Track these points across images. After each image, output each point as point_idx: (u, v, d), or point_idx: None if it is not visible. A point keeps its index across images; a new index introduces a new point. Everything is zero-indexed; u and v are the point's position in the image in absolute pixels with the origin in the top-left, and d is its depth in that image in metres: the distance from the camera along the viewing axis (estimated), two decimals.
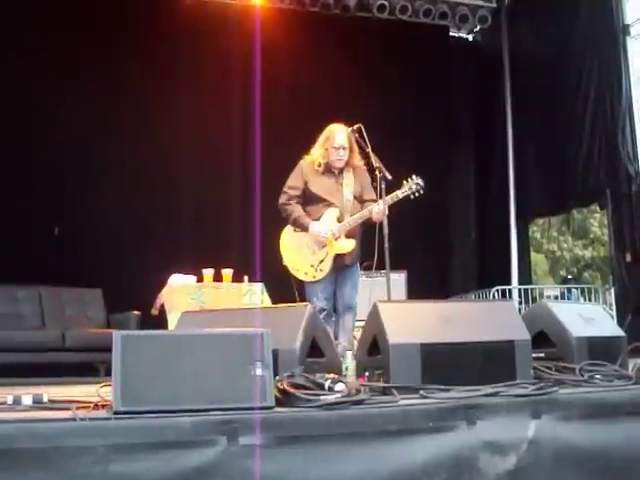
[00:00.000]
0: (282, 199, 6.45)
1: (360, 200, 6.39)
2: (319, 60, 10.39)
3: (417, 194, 6.25)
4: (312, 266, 6.29)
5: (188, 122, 10.12)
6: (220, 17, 10.37)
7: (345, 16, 11.36)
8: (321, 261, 6.28)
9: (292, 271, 6.37)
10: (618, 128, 9.81)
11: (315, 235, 6.28)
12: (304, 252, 6.34)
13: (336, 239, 6.27)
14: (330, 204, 6.33)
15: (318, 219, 6.33)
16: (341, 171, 6.44)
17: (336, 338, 6.06)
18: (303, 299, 6.28)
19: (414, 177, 6.26)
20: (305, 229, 6.33)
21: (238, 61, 9.87)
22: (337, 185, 6.40)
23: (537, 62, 11.44)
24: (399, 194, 6.22)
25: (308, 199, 6.42)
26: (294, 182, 6.46)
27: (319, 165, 6.40)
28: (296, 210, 6.38)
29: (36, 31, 9.37)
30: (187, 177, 10.17)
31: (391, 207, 6.16)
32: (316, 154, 6.44)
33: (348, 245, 6.30)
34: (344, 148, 6.34)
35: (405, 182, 6.25)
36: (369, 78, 10.89)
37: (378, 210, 6.10)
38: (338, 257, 6.29)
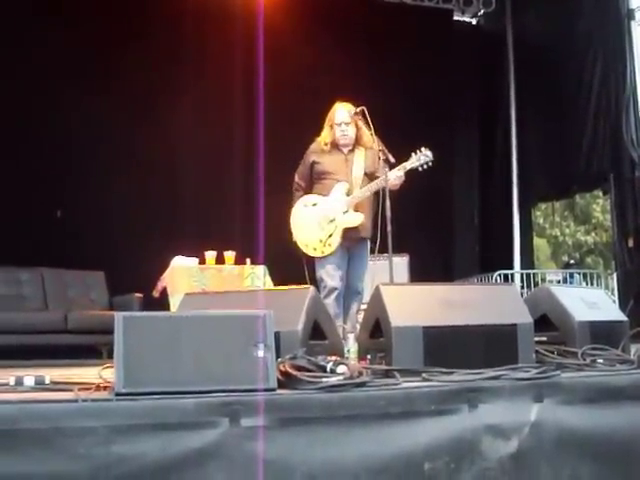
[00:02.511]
0: (295, 178, 6.64)
1: (371, 177, 6.39)
2: (322, 43, 10.34)
3: (426, 166, 6.25)
4: (321, 241, 6.32)
5: (190, 105, 10.09)
6: (222, 2, 10.33)
7: None
8: (330, 235, 6.29)
9: (301, 247, 6.42)
10: (622, 113, 9.78)
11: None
12: (313, 227, 6.37)
13: (344, 212, 6.28)
14: (338, 180, 6.37)
15: (327, 195, 6.36)
16: (352, 150, 6.49)
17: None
18: (312, 276, 6.31)
19: (423, 149, 6.28)
20: None
21: (240, 46, 9.80)
22: (346, 162, 6.46)
23: (541, 46, 11.39)
24: (407, 165, 6.23)
25: (316, 176, 6.50)
26: (300, 168, 6.63)
27: (326, 144, 6.47)
28: (295, 198, 6.59)
29: (40, 19, 9.36)
30: (189, 159, 10.13)
31: (394, 190, 6.17)
32: (323, 134, 6.54)
33: (356, 219, 6.32)
34: (346, 123, 6.41)
35: (414, 154, 6.27)
36: (372, 61, 10.87)
37: (394, 177, 6.14)
38: (347, 232, 6.31)
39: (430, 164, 6.26)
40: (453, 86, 12.21)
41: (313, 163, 6.47)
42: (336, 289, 6.21)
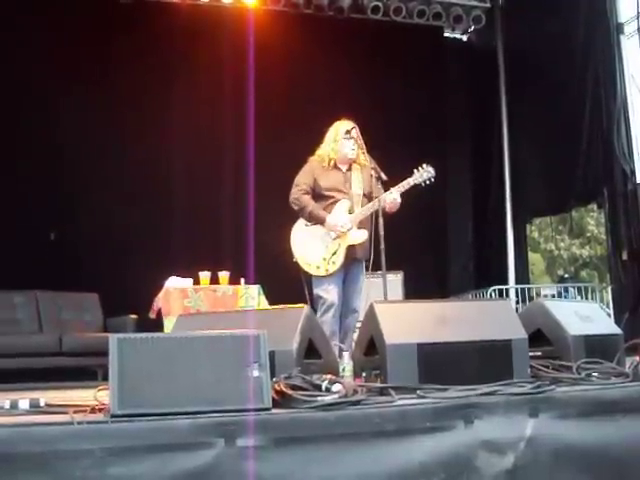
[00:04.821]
0: (294, 194, 6.42)
1: (369, 196, 6.35)
2: (313, 62, 10.38)
3: (428, 182, 6.24)
4: (325, 259, 6.25)
5: (183, 126, 10.12)
6: (214, 19, 10.36)
7: (339, 18, 11.31)
8: (334, 253, 6.25)
9: (303, 266, 6.32)
10: (613, 126, 9.79)
11: (332, 227, 6.26)
12: (316, 245, 6.30)
13: (348, 230, 6.27)
14: (339, 199, 6.34)
15: (329, 212, 6.33)
16: (349, 168, 6.45)
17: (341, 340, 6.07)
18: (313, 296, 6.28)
19: (425, 165, 6.26)
20: (322, 221, 6.30)
21: (232, 63, 9.83)
22: (346, 180, 6.41)
23: (532, 61, 11.41)
24: (410, 181, 6.22)
25: (317, 195, 6.41)
26: (304, 178, 6.45)
27: (329, 162, 6.39)
28: (310, 203, 6.36)
29: (31, 35, 9.36)
30: (182, 180, 10.16)
31: (393, 212, 6.18)
32: (326, 150, 6.45)
33: (361, 236, 6.28)
34: (354, 138, 6.33)
35: (416, 170, 6.24)
36: (364, 80, 10.88)
37: (391, 200, 6.14)
38: (350, 249, 6.28)
39: (432, 180, 6.25)
40: (445, 102, 12.23)
41: (315, 180, 6.40)
42: (335, 304, 6.18)
